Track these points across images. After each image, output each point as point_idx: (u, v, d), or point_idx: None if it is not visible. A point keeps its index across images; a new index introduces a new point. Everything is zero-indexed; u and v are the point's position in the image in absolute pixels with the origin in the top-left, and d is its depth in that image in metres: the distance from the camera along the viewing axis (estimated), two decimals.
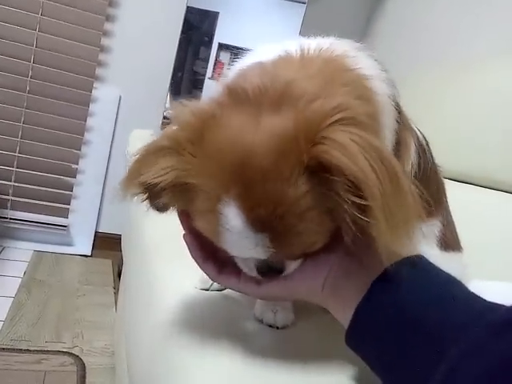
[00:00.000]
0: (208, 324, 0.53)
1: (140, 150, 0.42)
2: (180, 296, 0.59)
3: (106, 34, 1.92)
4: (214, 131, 0.38)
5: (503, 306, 0.35)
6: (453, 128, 1.17)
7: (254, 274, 0.44)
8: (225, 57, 2.30)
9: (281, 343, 0.51)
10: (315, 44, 0.44)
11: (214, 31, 2.32)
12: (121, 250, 1.23)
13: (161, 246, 0.82)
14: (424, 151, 0.56)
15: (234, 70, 0.46)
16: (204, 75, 2.36)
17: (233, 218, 0.37)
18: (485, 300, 0.37)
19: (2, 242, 1.90)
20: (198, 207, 0.39)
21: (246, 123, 0.37)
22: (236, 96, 0.39)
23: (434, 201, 0.57)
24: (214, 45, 2.31)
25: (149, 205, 0.43)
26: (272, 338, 0.51)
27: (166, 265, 0.72)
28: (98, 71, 1.93)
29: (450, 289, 0.39)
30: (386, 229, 0.33)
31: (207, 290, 0.59)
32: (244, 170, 0.36)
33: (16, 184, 1.89)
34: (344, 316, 0.42)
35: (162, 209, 0.44)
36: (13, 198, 1.90)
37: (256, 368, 0.45)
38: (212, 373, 0.45)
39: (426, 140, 0.58)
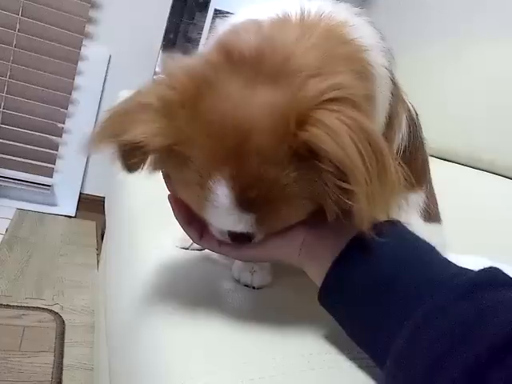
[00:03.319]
0: (186, 283, 0.54)
1: (119, 103, 0.39)
2: (160, 255, 0.59)
3: None
4: (208, 98, 0.36)
5: (474, 271, 0.36)
6: (441, 105, 1.17)
7: (225, 238, 0.45)
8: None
9: (257, 303, 0.51)
10: (316, 8, 0.43)
11: None
12: (104, 213, 1.23)
13: (143, 207, 0.81)
14: (414, 124, 0.56)
15: (227, 25, 0.44)
16: (198, 41, 2.31)
17: (222, 196, 0.36)
18: (457, 266, 0.38)
19: None
20: (185, 177, 0.38)
21: (241, 94, 0.36)
22: (231, 57, 0.37)
23: (419, 173, 0.58)
24: (209, 11, 2.25)
25: (121, 163, 0.40)
26: (248, 299, 0.52)
27: (148, 225, 0.72)
28: (88, 28, 1.88)
29: (425, 253, 0.40)
30: (367, 210, 0.34)
31: (187, 248, 0.60)
32: (238, 150, 0.35)
33: (0, 140, 1.85)
34: (318, 276, 0.42)
35: (133, 169, 0.41)
36: None
37: (231, 327, 0.46)
38: (189, 332, 0.45)
39: (416, 113, 0.58)
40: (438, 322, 0.32)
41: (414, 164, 0.56)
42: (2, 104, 1.83)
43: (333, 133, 0.33)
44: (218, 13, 2.22)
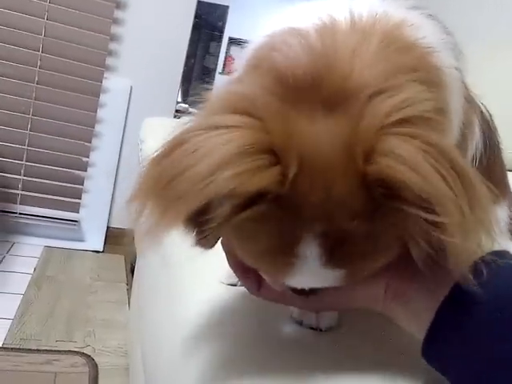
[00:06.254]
0: (237, 325, 0.47)
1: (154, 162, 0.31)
2: (206, 293, 0.53)
3: (116, 22, 1.86)
4: (289, 141, 0.29)
5: None
6: None
7: (287, 291, 0.39)
8: (236, 51, 2.24)
9: (325, 348, 0.44)
10: (366, 8, 0.35)
11: (224, 25, 2.27)
12: (134, 245, 1.17)
13: (180, 237, 0.75)
14: (489, 127, 0.49)
15: (261, 36, 0.37)
16: (215, 70, 2.31)
17: (311, 256, 0.32)
18: None
19: (11, 238, 1.85)
20: (264, 239, 0.32)
21: (309, 135, 0.30)
22: (286, 83, 0.31)
23: (500, 182, 0.51)
24: (224, 39, 2.25)
25: (198, 239, 0.35)
26: (315, 343, 0.44)
27: (187, 258, 0.66)
28: (109, 61, 1.87)
29: None
30: (463, 244, 0.28)
31: (235, 285, 0.53)
32: (320, 203, 0.30)
33: (25, 178, 1.84)
34: (414, 322, 0.35)
35: (210, 244, 0.36)
36: (22, 193, 1.85)
37: (296, 379, 0.38)
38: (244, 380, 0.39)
39: (490, 114, 0.50)
40: None
41: (494, 173, 0.49)
42: (27, 141, 1.82)
43: (407, 161, 0.27)
44: (233, 41, 2.21)
